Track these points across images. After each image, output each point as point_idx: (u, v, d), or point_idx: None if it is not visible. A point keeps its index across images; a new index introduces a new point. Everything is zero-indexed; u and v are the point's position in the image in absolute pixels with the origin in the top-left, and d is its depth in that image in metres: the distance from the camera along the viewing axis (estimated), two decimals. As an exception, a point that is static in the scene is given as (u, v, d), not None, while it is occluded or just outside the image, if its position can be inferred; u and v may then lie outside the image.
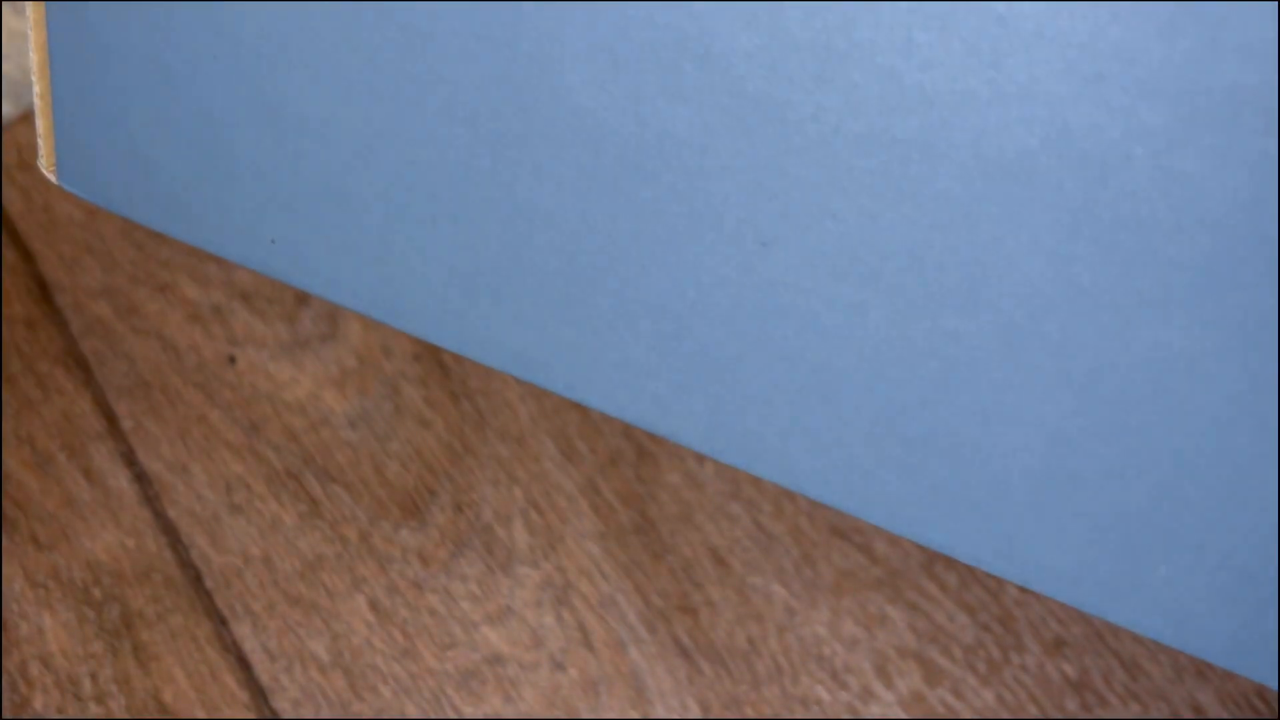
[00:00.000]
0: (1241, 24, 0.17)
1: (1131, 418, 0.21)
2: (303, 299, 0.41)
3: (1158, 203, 0.19)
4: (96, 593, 0.37)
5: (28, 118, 0.43)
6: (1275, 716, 0.37)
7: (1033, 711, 0.36)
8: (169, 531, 0.38)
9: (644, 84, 0.21)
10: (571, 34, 0.21)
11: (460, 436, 0.40)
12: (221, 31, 0.24)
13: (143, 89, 0.25)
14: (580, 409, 0.40)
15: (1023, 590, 0.37)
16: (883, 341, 0.22)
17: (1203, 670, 0.37)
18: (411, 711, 0.36)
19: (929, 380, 0.22)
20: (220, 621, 0.37)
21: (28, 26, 0.26)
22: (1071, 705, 0.36)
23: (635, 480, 0.39)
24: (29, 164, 0.43)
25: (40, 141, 0.26)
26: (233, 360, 0.40)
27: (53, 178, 0.27)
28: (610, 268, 0.23)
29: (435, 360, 0.41)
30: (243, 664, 0.36)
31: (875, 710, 0.36)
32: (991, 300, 0.21)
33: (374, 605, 0.37)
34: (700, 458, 0.39)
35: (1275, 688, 0.23)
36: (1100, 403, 0.21)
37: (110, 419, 0.40)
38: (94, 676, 0.36)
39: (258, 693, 0.36)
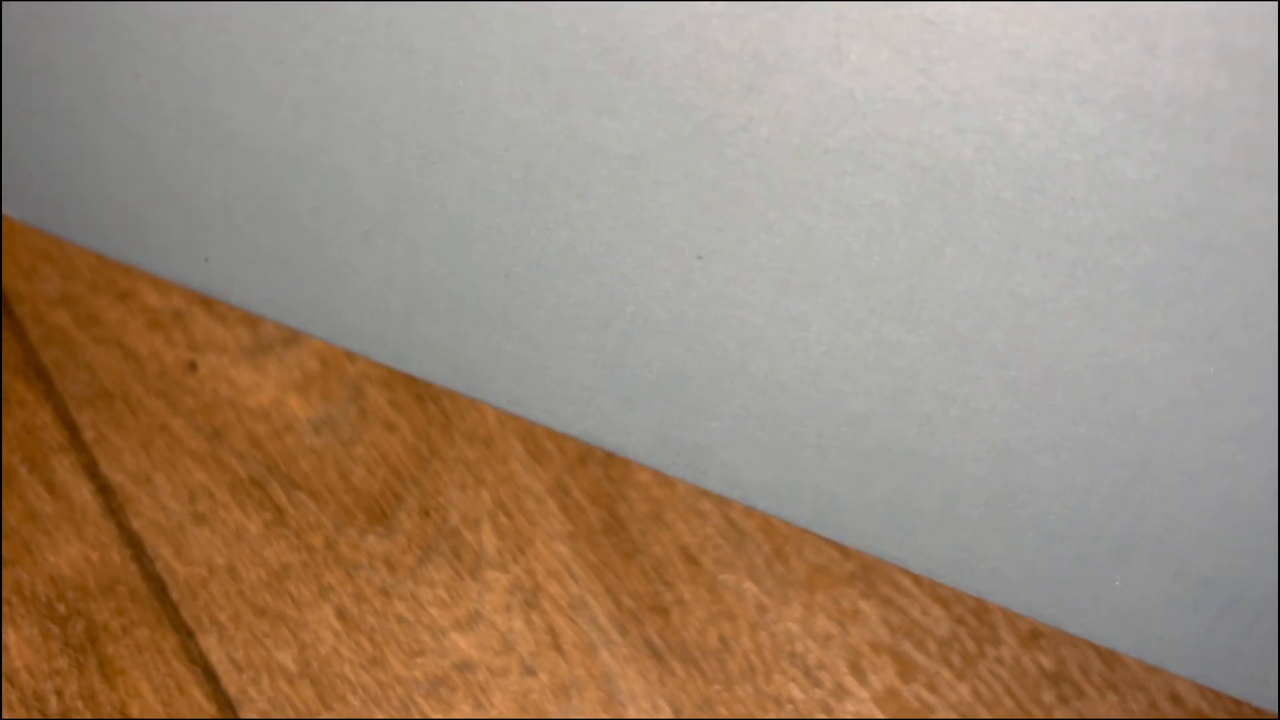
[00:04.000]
0: (1177, 27, 0.17)
1: (1080, 428, 0.20)
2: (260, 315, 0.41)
3: (1099, 210, 0.18)
4: (61, 607, 0.37)
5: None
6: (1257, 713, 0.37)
7: (1009, 705, 0.35)
8: (133, 543, 0.38)
9: (571, 96, 0.20)
10: (494, 46, 0.21)
11: (426, 439, 0.39)
12: (149, 53, 0.24)
13: (75, 112, 0.25)
14: (548, 407, 0.40)
15: (998, 581, 0.37)
16: (825, 353, 0.21)
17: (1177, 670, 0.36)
18: (381, 720, 0.35)
19: (873, 392, 0.21)
20: (186, 634, 0.36)
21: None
22: (1048, 697, 0.36)
23: (604, 479, 0.39)
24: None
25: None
26: (194, 367, 0.40)
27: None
28: (547, 282, 0.23)
29: (399, 362, 0.40)
30: (210, 676, 0.36)
31: (849, 707, 0.35)
32: (933, 311, 0.20)
33: (341, 614, 0.37)
34: (670, 454, 0.39)
35: (1232, 694, 0.22)
36: (1048, 413, 0.20)
37: (72, 430, 0.39)
38: (60, 693, 0.35)
39: (226, 705, 0.35)
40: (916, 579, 0.37)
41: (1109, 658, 0.36)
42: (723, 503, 0.38)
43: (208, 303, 0.41)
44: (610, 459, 0.39)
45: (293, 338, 0.40)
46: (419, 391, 0.40)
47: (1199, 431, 0.20)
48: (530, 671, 0.36)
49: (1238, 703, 0.36)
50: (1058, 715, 0.36)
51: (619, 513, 0.38)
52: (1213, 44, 0.17)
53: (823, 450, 0.22)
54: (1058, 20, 0.18)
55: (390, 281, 0.24)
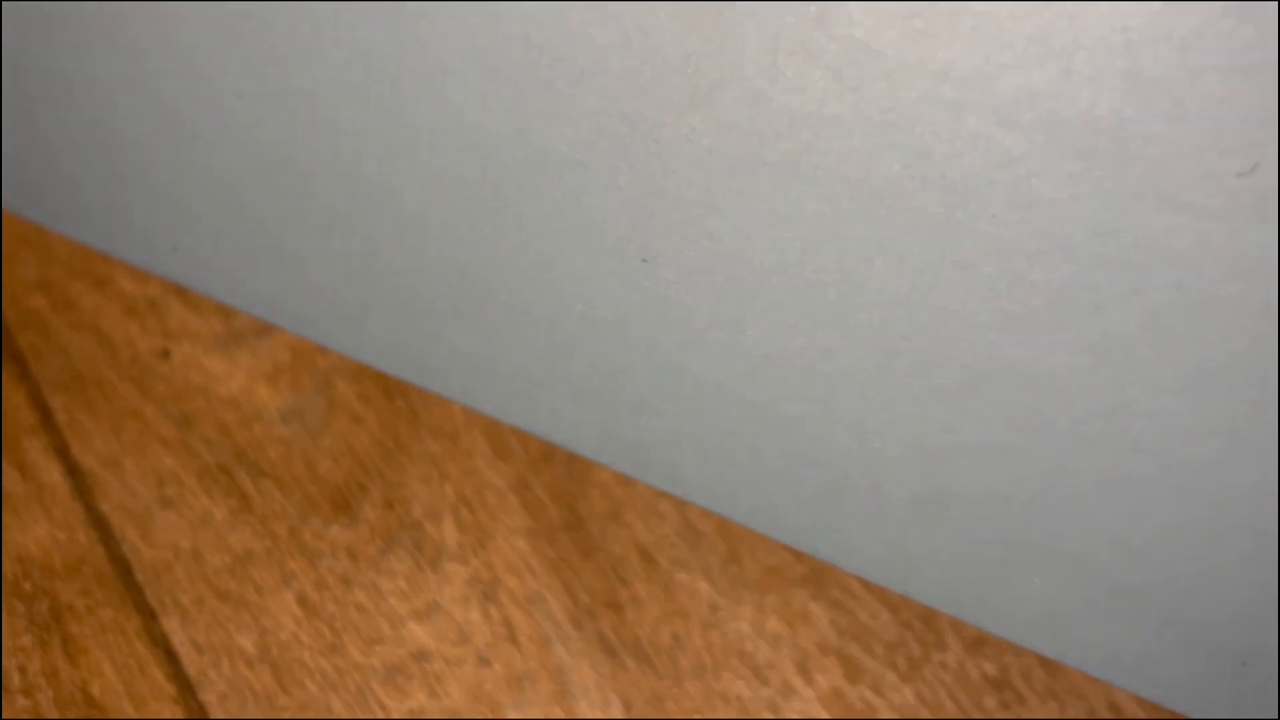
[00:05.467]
0: (1091, 55, 0.18)
1: (1001, 434, 0.21)
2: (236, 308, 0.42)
3: (1018, 227, 0.19)
4: (26, 586, 0.37)
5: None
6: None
7: (951, 708, 0.36)
8: (100, 525, 0.38)
9: (523, 102, 0.21)
10: (451, 53, 0.21)
11: (393, 432, 0.40)
12: (120, 48, 0.24)
13: (50, 106, 0.26)
14: (513, 405, 0.40)
15: (946, 588, 0.38)
16: (762, 356, 0.22)
17: (1112, 680, 0.37)
18: (337, 706, 0.36)
19: (806, 394, 0.22)
20: (149, 615, 0.37)
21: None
22: (990, 702, 0.36)
23: (566, 477, 0.39)
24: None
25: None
26: (167, 354, 0.41)
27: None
28: (500, 279, 0.24)
29: (369, 356, 0.41)
30: (171, 658, 0.36)
31: (795, 706, 0.36)
32: (863, 320, 0.21)
33: (302, 600, 0.37)
34: (631, 454, 0.39)
35: (1147, 697, 0.23)
36: (970, 420, 0.21)
37: (44, 413, 0.40)
38: (22, 670, 0.36)
39: (185, 686, 0.36)
40: (866, 583, 0.38)
41: (1051, 666, 0.37)
42: (681, 503, 0.39)
43: (182, 291, 0.42)
44: (572, 457, 0.40)
45: (265, 329, 0.41)
46: (387, 385, 0.40)
47: (1113, 441, 0.20)
48: (485, 662, 0.37)
49: (1174, 712, 0.37)
50: (998, 719, 0.36)
51: (579, 510, 0.39)
52: (1123, 72, 0.18)
53: (758, 450, 0.23)
54: (981, 45, 0.19)
55: (348, 274, 0.25)
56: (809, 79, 0.19)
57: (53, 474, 0.39)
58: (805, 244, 0.21)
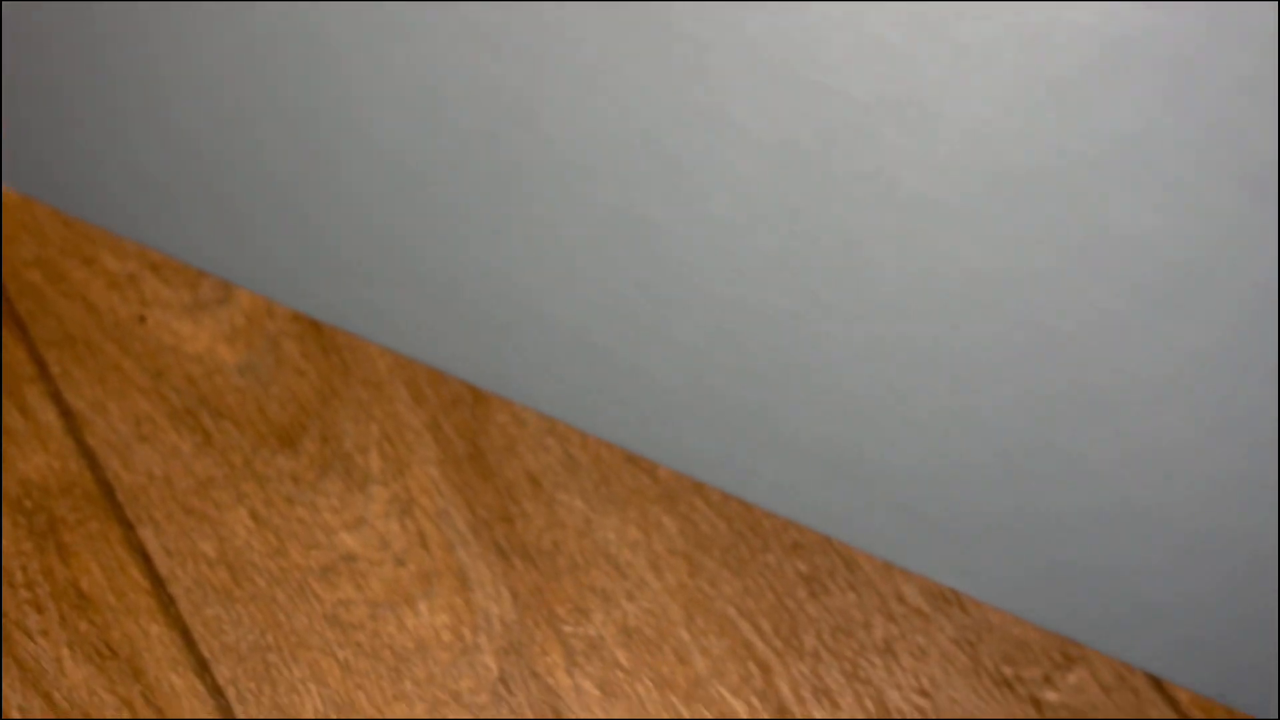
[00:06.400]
0: (828, 162, 0.27)
1: (800, 376, 0.31)
2: (203, 270, 0.50)
3: (774, 293, 0.29)
4: (28, 504, 0.46)
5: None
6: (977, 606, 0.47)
7: (770, 597, 0.46)
8: (88, 456, 0.47)
9: (434, 131, 0.30)
10: (368, 91, 0.31)
11: (329, 382, 0.49)
12: (102, 31, 0.33)
13: (39, 91, 0.34)
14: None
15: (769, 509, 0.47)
16: (597, 313, 0.31)
17: (908, 566, 0.46)
18: (280, 597, 0.45)
19: (670, 344, 0.31)
20: (128, 526, 0.46)
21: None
22: (801, 593, 0.46)
23: (471, 418, 0.49)
24: (-26, 156, 0.51)
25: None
26: (143, 320, 0.49)
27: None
28: (417, 252, 0.33)
29: (310, 320, 0.50)
30: (146, 559, 0.45)
31: (647, 595, 0.45)
32: (652, 268, 0.30)
33: (254, 515, 0.46)
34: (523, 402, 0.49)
35: (931, 577, 0.33)
36: (777, 361, 0.31)
37: (41, 366, 0.48)
38: (25, 569, 0.45)
39: (157, 581, 0.45)
40: (709, 501, 0.47)
41: (850, 564, 0.47)
42: (564, 438, 0.48)
43: (156, 268, 0.50)
44: (477, 402, 0.49)
45: (225, 298, 0.50)
46: (324, 344, 0.49)
47: (885, 385, 0.30)
48: (401, 563, 0.46)
49: (949, 601, 0.46)
50: (808, 608, 0.46)
51: (480, 444, 0.48)
52: (834, 175, 0.27)
53: (611, 382, 0.32)
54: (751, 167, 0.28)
55: (296, 243, 0.34)
56: (641, 186, 0.29)
57: (48, 415, 0.47)
58: (594, 242, 0.30)
